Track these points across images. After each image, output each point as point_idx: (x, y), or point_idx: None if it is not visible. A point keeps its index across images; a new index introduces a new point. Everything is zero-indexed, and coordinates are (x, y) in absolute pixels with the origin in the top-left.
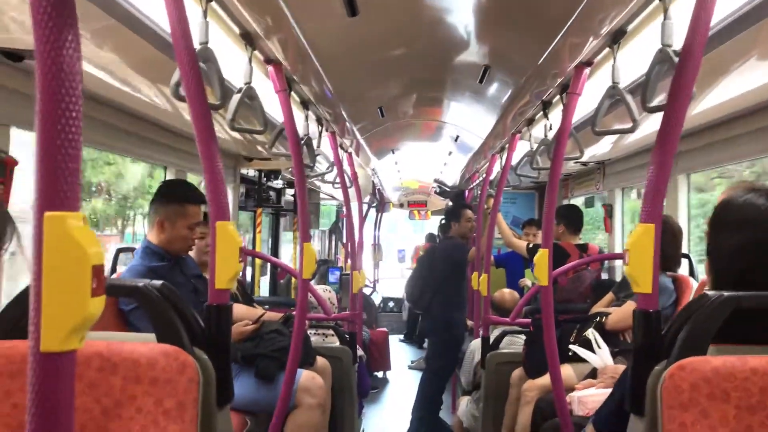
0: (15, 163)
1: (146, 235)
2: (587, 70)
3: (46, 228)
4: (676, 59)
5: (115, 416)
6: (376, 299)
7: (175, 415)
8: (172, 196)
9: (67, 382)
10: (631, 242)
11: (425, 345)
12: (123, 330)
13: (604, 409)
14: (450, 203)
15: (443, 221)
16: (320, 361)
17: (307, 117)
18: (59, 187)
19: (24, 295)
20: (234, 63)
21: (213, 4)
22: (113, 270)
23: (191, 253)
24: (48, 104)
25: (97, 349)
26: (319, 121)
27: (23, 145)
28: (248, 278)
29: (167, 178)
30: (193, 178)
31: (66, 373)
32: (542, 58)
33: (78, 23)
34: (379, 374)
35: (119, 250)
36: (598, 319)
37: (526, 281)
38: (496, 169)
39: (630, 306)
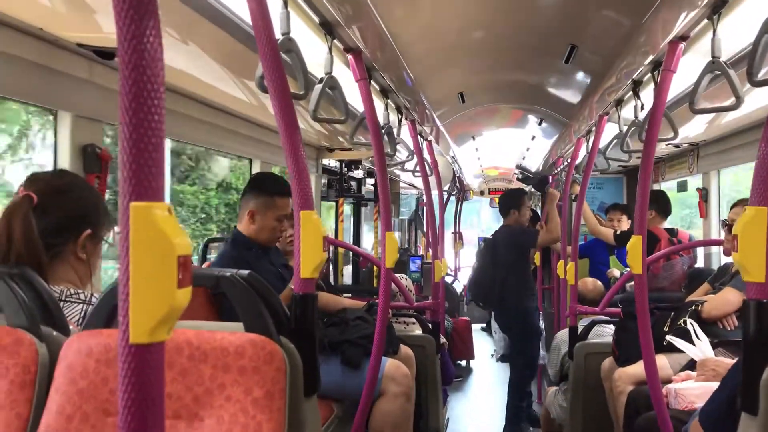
0: (110, 157)
1: (236, 225)
2: (682, 45)
3: (132, 218)
4: None
5: (206, 404)
6: (458, 288)
7: (264, 404)
8: (263, 189)
9: (156, 373)
10: (740, 227)
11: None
12: (215, 315)
13: (712, 406)
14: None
15: (500, 211)
16: (404, 349)
17: (387, 106)
18: (144, 177)
19: (117, 287)
20: (314, 53)
21: None
22: (203, 260)
23: (277, 244)
24: (131, 95)
25: (187, 338)
26: (398, 109)
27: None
28: (330, 268)
29: (253, 170)
30: (277, 171)
31: (155, 364)
32: (632, 35)
33: (158, 15)
34: (463, 363)
35: (209, 240)
36: (693, 307)
37: (614, 271)
38: (582, 153)
39: (729, 292)
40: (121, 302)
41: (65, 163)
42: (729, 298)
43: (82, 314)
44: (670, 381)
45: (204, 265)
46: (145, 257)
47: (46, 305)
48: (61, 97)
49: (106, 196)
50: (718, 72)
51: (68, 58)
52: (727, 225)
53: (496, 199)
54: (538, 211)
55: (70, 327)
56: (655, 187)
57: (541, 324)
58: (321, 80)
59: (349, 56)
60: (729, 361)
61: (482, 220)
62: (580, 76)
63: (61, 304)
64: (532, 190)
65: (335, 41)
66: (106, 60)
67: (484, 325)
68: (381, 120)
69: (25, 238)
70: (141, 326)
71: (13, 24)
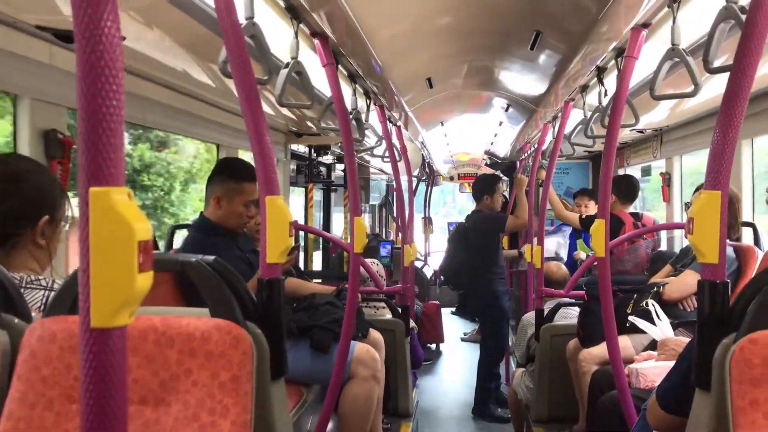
0: (73, 142)
1: (203, 211)
2: (644, 32)
3: (91, 203)
4: (743, 16)
5: (172, 389)
6: (428, 272)
7: (230, 388)
8: (230, 174)
9: (118, 357)
10: (695, 210)
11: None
12: (182, 302)
13: (668, 383)
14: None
15: (473, 195)
16: (373, 333)
17: (354, 91)
18: (103, 162)
19: None
20: (281, 38)
21: None
22: (169, 247)
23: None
24: (88, 80)
25: (152, 324)
26: (366, 94)
27: None
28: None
29: (219, 155)
30: (244, 155)
31: (117, 348)
32: (596, 22)
33: (116, 3)
34: (433, 346)
35: (174, 227)
36: (655, 289)
37: (580, 254)
38: (549, 138)
39: (688, 274)
40: (81, 287)
41: (26, 148)
42: (688, 281)
43: (44, 300)
44: (632, 361)
45: (170, 252)
46: (105, 242)
47: (6, 292)
48: (21, 81)
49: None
50: (677, 59)
51: (27, 41)
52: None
53: (466, 185)
54: (507, 197)
55: (32, 314)
56: (620, 172)
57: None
58: (287, 65)
59: (316, 41)
60: (688, 341)
61: (457, 201)
62: (545, 62)
63: (22, 291)
64: (501, 175)
65: (301, 25)
66: (66, 43)
67: (454, 309)
68: (349, 105)
69: None
70: (102, 311)
71: None
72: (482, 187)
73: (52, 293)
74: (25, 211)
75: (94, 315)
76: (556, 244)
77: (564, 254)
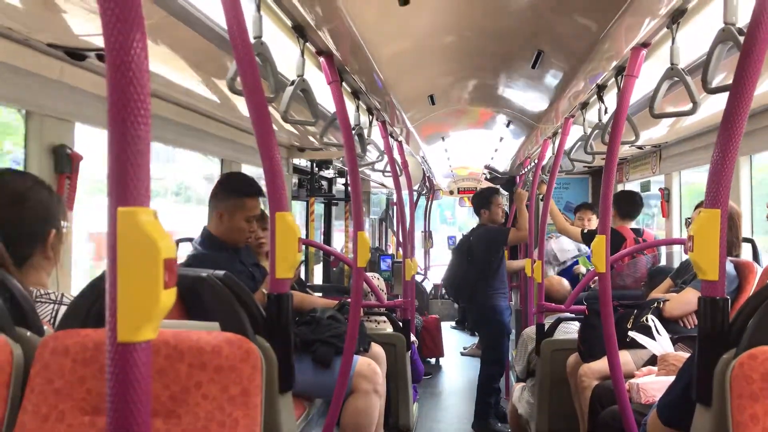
0: (80, 158)
1: (206, 225)
2: (644, 52)
3: (119, 223)
4: (741, 38)
5: (183, 402)
6: (428, 286)
7: (240, 402)
8: (232, 189)
9: (143, 371)
10: (695, 228)
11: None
12: (182, 313)
13: (668, 398)
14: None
15: (474, 211)
16: (375, 347)
17: (358, 107)
18: (130, 184)
19: (95, 283)
20: (286, 56)
21: None
22: None
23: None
24: (118, 103)
25: (164, 338)
26: (369, 110)
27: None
28: (302, 267)
29: (223, 169)
30: (247, 170)
31: (142, 362)
32: (597, 41)
33: (145, 27)
34: (432, 360)
35: (178, 241)
36: (655, 304)
37: (581, 268)
38: (549, 154)
39: (689, 292)
40: (109, 302)
41: (35, 163)
42: (689, 299)
43: (53, 314)
44: (633, 376)
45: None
46: (132, 260)
47: (20, 306)
48: (32, 97)
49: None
50: (677, 78)
51: (39, 59)
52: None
53: (466, 198)
54: (507, 210)
55: (44, 327)
56: (620, 187)
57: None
58: (293, 82)
59: (321, 59)
60: (688, 356)
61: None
62: (546, 80)
63: None
64: (499, 189)
65: (307, 44)
66: (76, 60)
67: (454, 323)
68: (352, 121)
69: None
70: (128, 325)
71: None
72: (479, 201)
73: (62, 306)
74: (34, 229)
75: (121, 330)
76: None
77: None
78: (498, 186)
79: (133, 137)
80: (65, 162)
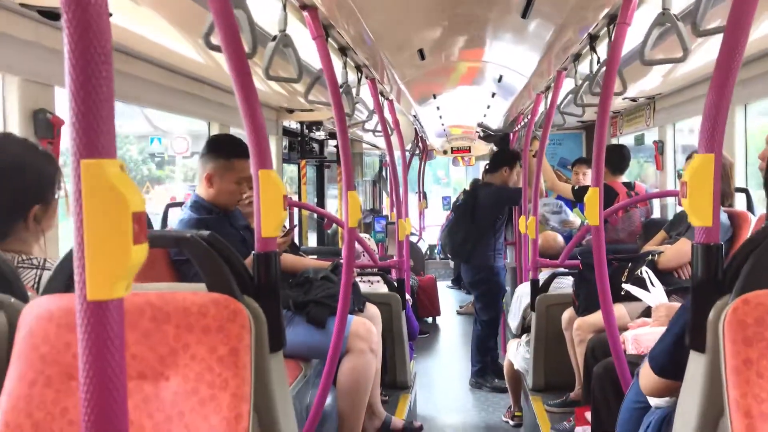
0: (62, 122)
1: (195, 189)
2: None
3: (83, 176)
4: None
5: (171, 364)
6: (423, 247)
7: (229, 361)
8: (220, 152)
9: (116, 329)
10: (689, 174)
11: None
12: (177, 280)
13: (660, 346)
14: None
15: (489, 166)
16: (370, 307)
17: (345, 64)
18: (94, 134)
19: None
20: (267, 10)
21: None
22: (164, 225)
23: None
24: (77, 52)
25: (149, 300)
26: (357, 68)
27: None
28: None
29: (210, 132)
30: (235, 132)
31: (114, 321)
32: None
33: None
34: (429, 320)
35: (168, 206)
36: (650, 257)
37: (576, 222)
38: (541, 109)
39: (683, 243)
40: (77, 260)
41: (15, 129)
42: (684, 249)
43: (37, 279)
44: (627, 328)
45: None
46: (99, 214)
47: (2, 273)
48: (7, 60)
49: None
50: (668, 24)
51: (12, 19)
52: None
53: (460, 158)
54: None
55: (28, 293)
56: (614, 141)
57: None
58: (274, 38)
59: (305, 13)
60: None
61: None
62: (537, 31)
63: None
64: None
65: None
66: (51, 20)
67: (450, 282)
68: (339, 79)
69: None
70: (98, 283)
71: None
72: (503, 158)
73: (45, 272)
74: (15, 204)
75: (90, 288)
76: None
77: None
78: (492, 145)
79: (94, 86)
80: (46, 127)
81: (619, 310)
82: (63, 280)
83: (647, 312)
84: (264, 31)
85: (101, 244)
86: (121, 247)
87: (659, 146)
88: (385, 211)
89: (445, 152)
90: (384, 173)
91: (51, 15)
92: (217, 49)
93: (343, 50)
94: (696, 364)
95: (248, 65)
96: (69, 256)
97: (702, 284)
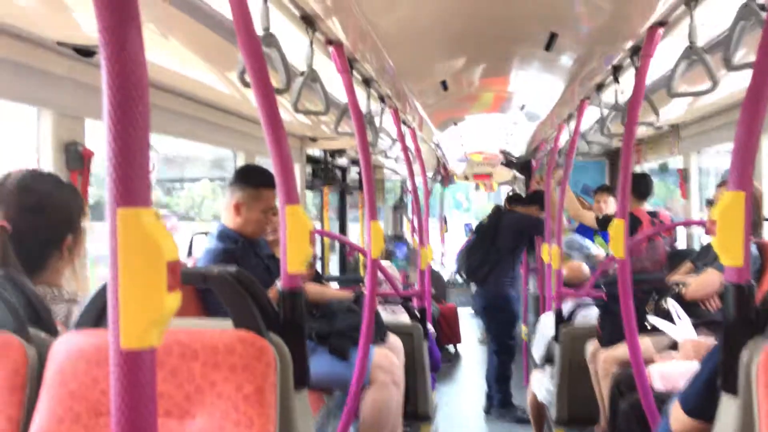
0: (91, 154)
1: (221, 218)
2: (661, 31)
3: (119, 225)
4: (763, 14)
5: (197, 402)
6: (444, 273)
7: (255, 400)
8: (248, 181)
9: (148, 377)
10: (719, 211)
11: None
12: (200, 308)
13: (692, 387)
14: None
15: (525, 198)
16: (392, 337)
17: (369, 95)
18: (131, 183)
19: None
20: (296, 46)
21: None
22: (189, 254)
23: None
24: (115, 103)
25: (177, 337)
26: (380, 98)
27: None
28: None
29: (237, 162)
30: (261, 162)
31: (146, 368)
32: (612, 22)
33: (140, 20)
34: (451, 348)
35: (194, 235)
36: (676, 288)
37: (600, 256)
38: (565, 137)
39: (711, 273)
40: (111, 308)
41: (48, 161)
42: (711, 280)
43: (66, 313)
44: (653, 361)
45: (190, 260)
46: (134, 263)
47: (33, 307)
48: (42, 95)
49: (90, 191)
50: (695, 57)
51: (48, 57)
52: (713, 205)
53: (481, 184)
54: (523, 195)
55: (58, 327)
56: (638, 169)
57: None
58: (302, 73)
59: (331, 48)
60: (709, 341)
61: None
62: (561, 62)
63: None
64: (516, 174)
65: (316, 34)
66: (86, 57)
67: (472, 310)
68: (363, 109)
69: (3, 266)
70: (132, 332)
71: None
72: (539, 198)
73: (75, 306)
74: (51, 237)
75: (124, 336)
76: None
77: None
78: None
79: (131, 137)
80: (77, 159)
81: (644, 342)
82: (93, 316)
83: (673, 345)
84: (292, 66)
85: (136, 293)
86: (156, 296)
87: (684, 174)
88: (406, 236)
89: (466, 178)
90: (405, 199)
91: (85, 52)
92: (249, 86)
93: (367, 82)
94: (728, 407)
95: (277, 106)
96: (99, 292)
97: (733, 325)
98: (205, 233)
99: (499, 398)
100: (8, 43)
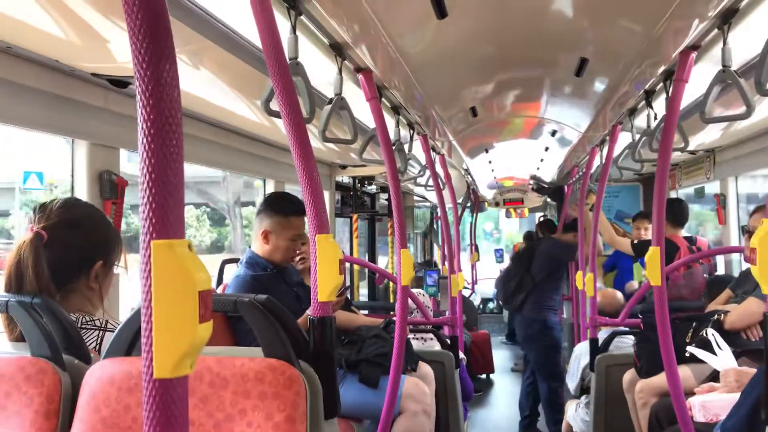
0: (125, 183)
1: (250, 246)
2: (694, 55)
3: (154, 256)
4: None
5: (227, 430)
6: (475, 300)
7: (284, 429)
8: (277, 209)
9: (180, 407)
10: (758, 240)
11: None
12: (230, 334)
13: (734, 419)
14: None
15: (544, 219)
16: (423, 366)
17: (398, 122)
18: (165, 216)
19: (138, 314)
20: (324, 73)
21: (302, 17)
22: (219, 281)
23: None
24: (150, 136)
25: (208, 365)
26: (410, 125)
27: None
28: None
29: (266, 189)
30: (290, 189)
31: (179, 398)
32: (644, 46)
33: (175, 56)
34: (483, 377)
35: (224, 262)
36: (715, 317)
37: (633, 284)
38: (597, 162)
39: (752, 302)
40: (144, 338)
41: (83, 189)
42: (752, 309)
43: (98, 340)
44: (693, 392)
45: (220, 287)
46: (167, 294)
47: (67, 334)
48: (78, 125)
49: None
50: (730, 81)
51: (83, 88)
52: (748, 232)
53: (512, 210)
54: (555, 222)
55: (91, 354)
56: (672, 194)
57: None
58: (330, 101)
59: (360, 76)
60: (752, 371)
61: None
62: (592, 87)
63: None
64: (548, 200)
65: (345, 62)
66: (120, 88)
67: (504, 337)
68: (392, 136)
69: (36, 277)
70: (164, 361)
71: (29, 57)
72: (576, 226)
73: (107, 333)
74: (80, 258)
75: (157, 366)
76: None
77: None
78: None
79: (166, 170)
80: (110, 188)
81: (684, 372)
82: (125, 343)
83: (714, 375)
84: (320, 93)
85: (168, 323)
86: (188, 327)
87: (721, 199)
88: (437, 264)
89: (497, 204)
90: (435, 226)
91: (119, 83)
92: (276, 114)
93: (396, 109)
94: None
95: (307, 135)
96: (131, 319)
97: None
98: (236, 261)
99: (553, 429)
100: (45, 76)
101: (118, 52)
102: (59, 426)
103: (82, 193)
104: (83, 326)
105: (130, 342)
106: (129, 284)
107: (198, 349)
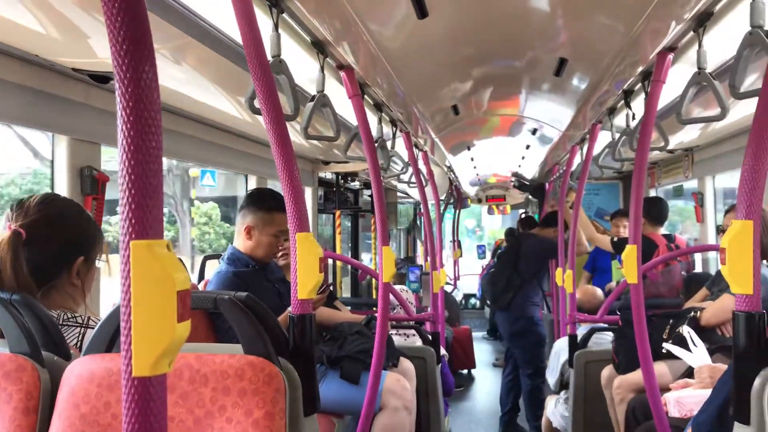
0: (106, 178)
1: (233, 242)
2: (671, 56)
3: (133, 256)
4: None
5: (207, 426)
6: (457, 296)
7: (264, 425)
8: (260, 205)
9: (159, 404)
10: (728, 240)
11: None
12: (210, 330)
13: (705, 414)
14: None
15: (541, 221)
16: (404, 362)
17: (380, 119)
18: (144, 216)
19: (118, 311)
20: (307, 71)
21: (284, 15)
22: (201, 277)
23: None
24: (130, 138)
25: (187, 362)
26: (392, 122)
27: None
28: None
29: (248, 186)
30: (272, 185)
31: (157, 396)
32: (622, 47)
33: (153, 49)
34: (464, 372)
35: (206, 258)
36: (692, 314)
37: (612, 284)
38: (577, 160)
39: (726, 299)
40: (123, 336)
41: (63, 185)
42: (726, 305)
43: (80, 337)
44: (669, 389)
45: (202, 283)
46: (146, 293)
47: (47, 330)
48: (59, 120)
49: (104, 217)
50: (705, 83)
51: (65, 83)
52: (722, 231)
53: (494, 207)
54: (536, 218)
55: (71, 351)
56: (652, 192)
57: None
58: (313, 98)
59: (342, 73)
60: (724, 368)
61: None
62: (571, 86)
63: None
64: (530, 197)
65: (327, 59)
66: (101, 84)
67: (485, 333)
68: (375, 133)
69: (15, 276)
70: (143, 360)
71: (9, 52)
72: (553, 221)
73: (88, 330)
74: (60, 255)
75: (136, 364)
76: None
77: None
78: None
79: (145, 170)
80: (91, 184)
81: (661, 368)
82: (105, 340)
83: (689, 372)
84: (303, 91)
85: (147, 322)
86: (166, 326)
87: (699, 198)
88: (420, 260)
89: (479, 200)
90: (418, 222)
91: (101, 78)
92: (259, 112)
93: (378, 106)
94: None
95: (288, 133)
96: (111, 316)
97: (744, 354)
98: (217, 257)
99: (535, 425)
100: (25, 71)
101: (99, 47)
102: (38, 422)
103: (63, 189)
104: (64, 323)
105: (110, 338)
106: (109, 279)
107: (177, 348)
